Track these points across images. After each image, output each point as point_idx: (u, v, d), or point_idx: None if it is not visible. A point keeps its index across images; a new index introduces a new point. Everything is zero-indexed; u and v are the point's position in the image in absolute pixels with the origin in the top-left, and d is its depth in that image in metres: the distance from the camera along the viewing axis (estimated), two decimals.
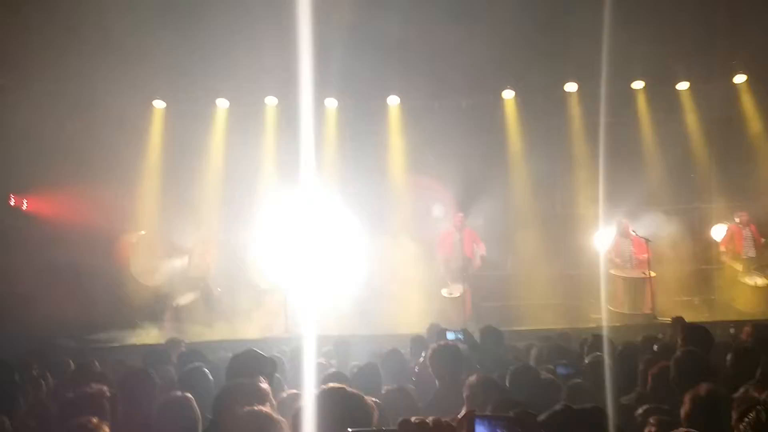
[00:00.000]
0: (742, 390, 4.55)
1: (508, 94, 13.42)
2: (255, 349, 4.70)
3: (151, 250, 12.34)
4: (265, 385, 3.94)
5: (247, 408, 3.38)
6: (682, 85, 13.06)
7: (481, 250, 12.39)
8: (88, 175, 11.84)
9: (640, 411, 4.05)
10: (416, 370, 5.98)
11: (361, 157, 12.99)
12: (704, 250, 12.74)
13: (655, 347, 6.24)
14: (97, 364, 6.57)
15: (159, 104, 13.13)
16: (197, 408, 4.01)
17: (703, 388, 3.63)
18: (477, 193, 12.82)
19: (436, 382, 4.91)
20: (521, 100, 13.42)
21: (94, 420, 3.40)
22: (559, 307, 12.08)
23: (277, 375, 5.33)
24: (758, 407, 2.63)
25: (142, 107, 12.92)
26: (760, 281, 11.71)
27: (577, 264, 12.68)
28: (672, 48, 11.64)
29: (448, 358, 4.92)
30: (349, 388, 2.82)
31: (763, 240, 12.08)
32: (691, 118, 12.98)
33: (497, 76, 13.02)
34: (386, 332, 10.57)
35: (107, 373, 5.96)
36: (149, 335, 10.85)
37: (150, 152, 12.93)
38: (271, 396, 3.89)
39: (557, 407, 2.93)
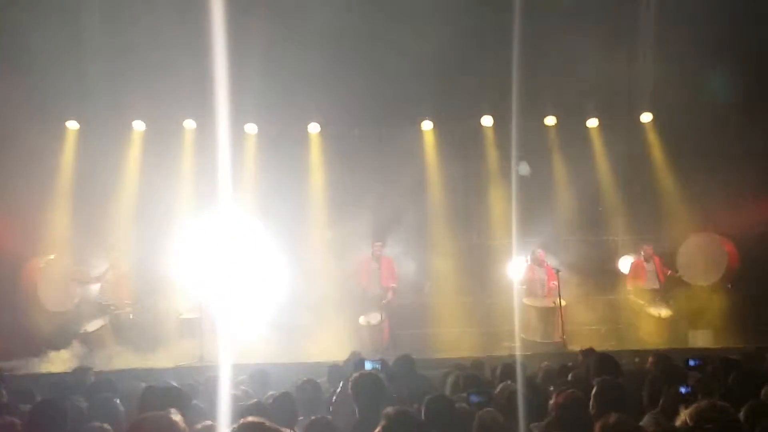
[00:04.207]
0: (646, 419, 4.76)
1: (427, 125, 13.67)
2: (168, 380, 4.63)
3: (60, 275, 11.93)
4: (178, 418, 3.86)
5: None
6: (592, 122, 13.63)
7: (393, 282, 12.49)
8: None
9: None
10: (334, 400, 5.97)
11: (280, 183, 12.94)
12: (612, 280, 13.19)
13: (570, 376, 6.41)
14: (4, 393, 6.30)
15: (72, 125, 12.77)
16: None
17: (612, 417, 3.77)
18: (396, 222, 12.97)
19: (356, 412, 4.90)
20: (439, 131, 13.69)
21: None
22: (475, 335, 12.30)
23: (196, 402, 5.25)
24: None
25: (54, 127, 12.54)
26: (664, 312, 12.22)
27: (492, 293, 12.93)
28: (582, 87, 12.15)
29: (369, 387, 4.92)
30: (267, 423, 2.81)
31: (668, 271, 12.62)
32: (599, 154, 13.51)
33: (416, 107, 13.26)
34: (302, 360, 10.53)
35: (14, 404, 5.72)
36: (57, 364, 10.44)
37: (61, 174, 12.55)
38: (184, 429, 3.81)
39: None
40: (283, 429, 2.91)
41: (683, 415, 3.30)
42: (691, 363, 6.44)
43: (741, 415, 4.25)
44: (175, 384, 4.63)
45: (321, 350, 10.85)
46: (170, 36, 10.79)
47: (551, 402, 5.12)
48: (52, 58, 10.82)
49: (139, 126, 13.01)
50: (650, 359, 7.29)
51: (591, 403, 4.62)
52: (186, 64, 10.75)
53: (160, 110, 12.58)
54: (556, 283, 11.83)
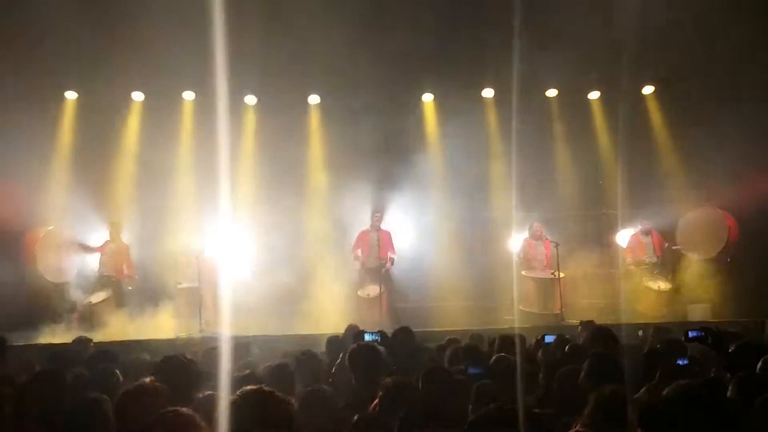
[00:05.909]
0: (642, 391, 4.77)
1: (428, 98, 13.60)
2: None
3: (58, 246, 11.92)
4: (161, 385, 3.88)
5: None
6: (594, 95, 13.54)
7: (392, 253, 12.49)
8: None
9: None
10: (333, 371, 5.99)
11: (280, 154, 12.90)
12: (611, 254, 13.19)
13: (567, 349, 6.42)
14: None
15: (70, 95, 12.71)
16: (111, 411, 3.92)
17: (607, 389, 3.78)
18: (395, 194, 12.95)
19: (354, 382, 4.92)
20: (440, 103, 13.62)
21: None
22: (473, 308, 12.32)
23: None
24: None
25: (53, 98, 12.49)
26: (662, 285, 12.23)
27: (491, 266, 12.93)
28: (583, 59, 12.04)
29: (367, 358, 4.93)
30: (276, 393, 2.82)
31: (666, 244, 12.62)
32: (601, 127, 13.46)
33: (416, 79, 13.17)
34: (301, 332, 10.55)
35: (12, 374, 5.73)
36: (56, 334, 10.47)
37: (60, 144, 12.51)
38: (167, 395, 3.81)
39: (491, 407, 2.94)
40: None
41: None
42: (691, 335, 6.45)
43: (732, 384, 4.27)
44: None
45: (320, 322, 10.87)
46: (169, 5, 10.67)
47: (542, 375, 5.14)
48: (51, 27, 10.70)
49: (138, 97, 12.94)
50: (651, 332, 7.33)
51: (583, 375, 4.64)
52: (185, 35, 10.63)
53: (159, 81, 12.49)
54: (555, 256, 11.85)
